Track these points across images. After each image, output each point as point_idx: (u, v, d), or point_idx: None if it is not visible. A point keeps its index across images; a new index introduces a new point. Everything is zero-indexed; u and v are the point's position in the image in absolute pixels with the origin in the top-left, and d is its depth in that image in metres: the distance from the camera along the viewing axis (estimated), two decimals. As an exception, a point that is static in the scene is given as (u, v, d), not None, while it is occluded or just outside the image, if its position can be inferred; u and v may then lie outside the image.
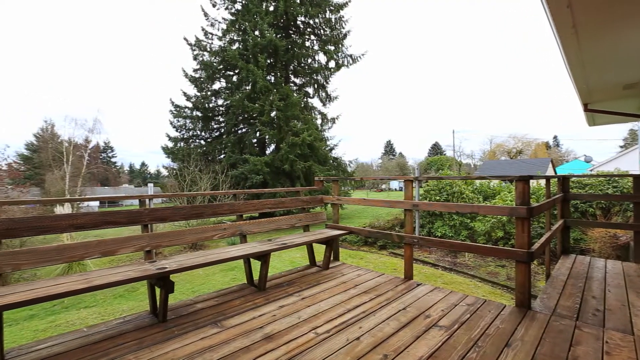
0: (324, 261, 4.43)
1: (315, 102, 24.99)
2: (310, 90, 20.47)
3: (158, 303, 2.93)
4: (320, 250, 4.66)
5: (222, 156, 17.96)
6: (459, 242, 3.71)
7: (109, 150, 61.58)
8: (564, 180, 5.26)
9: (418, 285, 3.73)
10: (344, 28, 19.74)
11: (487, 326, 2.68)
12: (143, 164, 74.06)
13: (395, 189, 53.94)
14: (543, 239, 3.52)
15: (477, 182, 12.92)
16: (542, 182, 12.11)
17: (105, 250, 3.01)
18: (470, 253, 8.83)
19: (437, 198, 11.51)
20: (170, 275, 2.84)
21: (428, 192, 11.93)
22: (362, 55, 19.95)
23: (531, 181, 3.18)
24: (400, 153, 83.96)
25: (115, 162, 63.46)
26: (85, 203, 22.40)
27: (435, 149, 77.76)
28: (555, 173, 33.88)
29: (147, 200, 3.62)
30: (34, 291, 2.32)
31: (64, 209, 9.66)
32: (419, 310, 3.03)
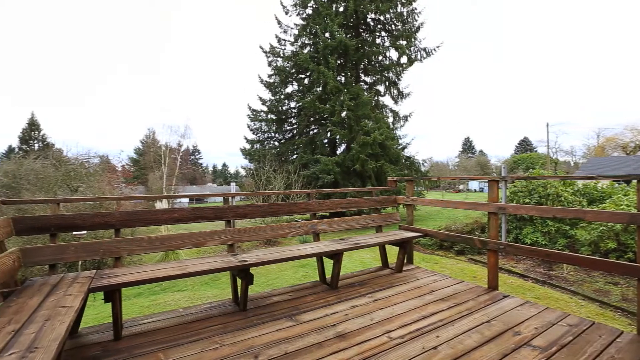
0: (397, 264, 4.28)
1: (387, 100, 24.42)
2: (381, 88, 20.06)
3: (239, 293, 3.16)
4: (392, 252, 4.51)
5: (294, 156, 18.72)
6: (557, 251, 3.21)
7: (197, 153, 69.22)
8: None
9: (505, 297, 3.35)
10: (416, 21, 18.86)
11: (597, 354, 2.26)
12: (224, 165, 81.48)
13: (475, 190, 49.62)
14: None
15: (579, 183, 11.09)
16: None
17: (196, 242, 3.37)
18: (570, 265, 7.63)
19: (527, 201, 10.22)
20: (250, 268, 3.04)
21: (515, 193, 10.67)
22: (437, 47, 18.82)
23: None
24: (481, 151, 76.93)
25: (201, 164, 71.12)
26: (178, 199, 25.58)
27: (524, 146, 69.24)
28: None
29: (230, 198, 3.95)
30: (143, 273, 2.71)
31: (162, 205, 11.16)
32: (506, 325, 2.71)
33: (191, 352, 2.34)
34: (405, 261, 4.42)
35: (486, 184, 3.66)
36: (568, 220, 9.19)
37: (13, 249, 2.54)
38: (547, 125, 47.22)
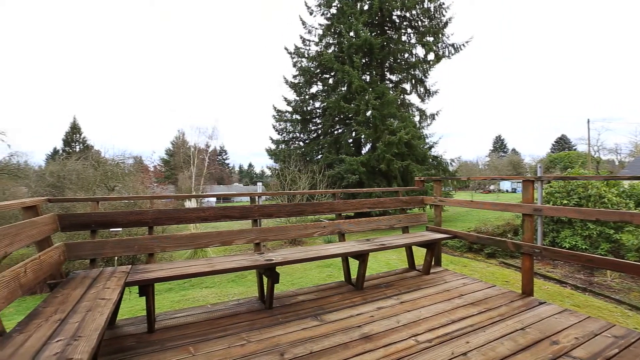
0: (425, 266, 4.17)
1: (413, 98, 23.77)
2: (407, 86, 19.68)
3: (265, 291, 3.21)
4: (419, 254, 4.40)
5: (319, 156, 18.77)
6: (600, 256, 3.00)
7: (224, 154, 71.08)
8: None
9: (541, 303, 3.17)
10: (444, 16, 18.33)
11: (647, 368, 2.09)
12: (250, 165, 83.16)
13: (507, 191, 47.46)
14: None
15: (625, 183, 10.31)
16: None
17: (224, 240, 3.45)
18: (615, 272, 7.10)
19: (565, 202, 9.64)
20: (276, 267, 3.07)
21: (551, 194, 10.09)
22: (466, 42, 18.19)
23: None
24: (514, 149, 73.47)
25: (228, 164, 72.98)
26: (206, 198, 26.41)
27: (561, 144, 65.29)
28: None
29: (256, 198, 4.02)
30: (175, 270, 2.82)
31: (191, 204, 11.55)
32: (543, 333, 2.56)
33: (219, 347, 2.40)
34: (432, 263, 4.30)
35: (519, 185, 3.48)
36: (612, 224, 8.57)
37: (59, 243, 2.72)
38: (588, 121, 44.21)
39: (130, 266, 2.88)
